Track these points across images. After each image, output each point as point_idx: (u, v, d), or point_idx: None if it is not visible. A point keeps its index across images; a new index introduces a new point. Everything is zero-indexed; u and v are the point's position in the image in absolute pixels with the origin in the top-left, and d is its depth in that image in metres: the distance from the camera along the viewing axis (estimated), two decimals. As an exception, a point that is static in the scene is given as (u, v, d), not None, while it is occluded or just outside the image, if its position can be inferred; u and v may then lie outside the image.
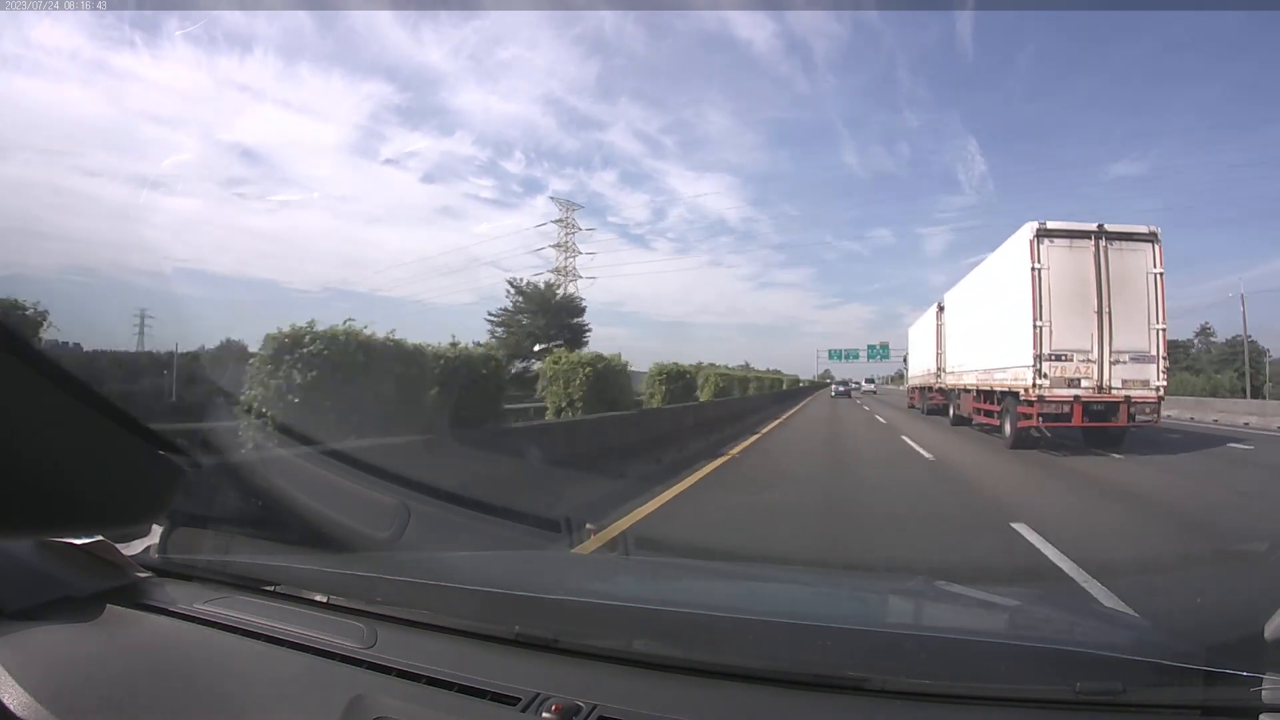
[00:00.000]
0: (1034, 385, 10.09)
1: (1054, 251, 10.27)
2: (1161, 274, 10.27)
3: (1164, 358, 10.31)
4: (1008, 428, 11.38)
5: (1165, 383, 10.40)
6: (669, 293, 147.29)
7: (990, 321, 12.74)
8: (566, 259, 59.00)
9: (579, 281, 57.89)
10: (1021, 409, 10.55)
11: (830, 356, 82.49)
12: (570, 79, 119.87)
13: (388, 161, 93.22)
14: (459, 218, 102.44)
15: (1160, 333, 10.18)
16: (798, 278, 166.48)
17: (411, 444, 4.67)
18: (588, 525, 4.22)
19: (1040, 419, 10.23)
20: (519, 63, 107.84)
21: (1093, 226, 10.33)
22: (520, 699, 1.01)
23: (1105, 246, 10.24)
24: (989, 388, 12.72)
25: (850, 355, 79.88)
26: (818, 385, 72.55)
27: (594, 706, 0.98)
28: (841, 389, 50.20)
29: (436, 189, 67.99)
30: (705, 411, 13.54)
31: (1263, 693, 0.91)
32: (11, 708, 1.01)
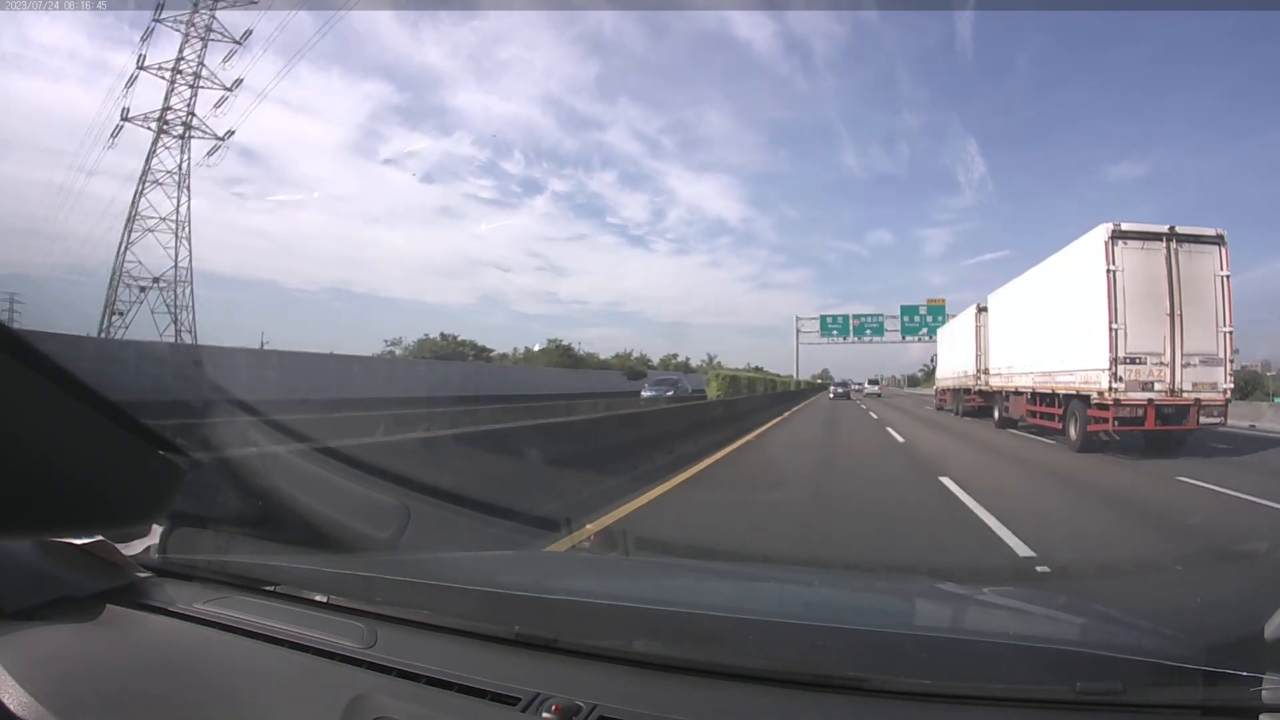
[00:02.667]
0: (1109, 389, 10.50)
1: (1128, 253, 10.66)
2: (1228, 276, 10.71)
3: (1231, 360, 10.79)
4: (1073, 431, 11.87)
5: (1232, 384, 10.89)
6: (668, 293, 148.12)
7: (1053, 323, 13.07)
8: (186, 97, 34.77)
9: (219, 151, 35.67)
10: (1093, 412, 11.08)
11: (823, 331, 55.17)
12: (569, 79, 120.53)
13: (387, 161, 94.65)
14: (458, 218, 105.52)
15: (1228, 335, 10.67)
16: (797, 278, 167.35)
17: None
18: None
19: (1115, 422, 10.66)
20: (518, 62, 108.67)
21: (1164, 228, 10.74)
22: (520, 699, 1.05)
23: (1176, 249, 10.65)
24: (1049, 390, 13.21)
25: (865, 328, 54.02)
26: (813, 388, 58.83)
27: (594, 706, 1.02)
28: (840, 390, 50.01)
29: (435, 189, 69.11)
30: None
31: (1263, 693, 0.94)
32: (11, 708, 1.05)
